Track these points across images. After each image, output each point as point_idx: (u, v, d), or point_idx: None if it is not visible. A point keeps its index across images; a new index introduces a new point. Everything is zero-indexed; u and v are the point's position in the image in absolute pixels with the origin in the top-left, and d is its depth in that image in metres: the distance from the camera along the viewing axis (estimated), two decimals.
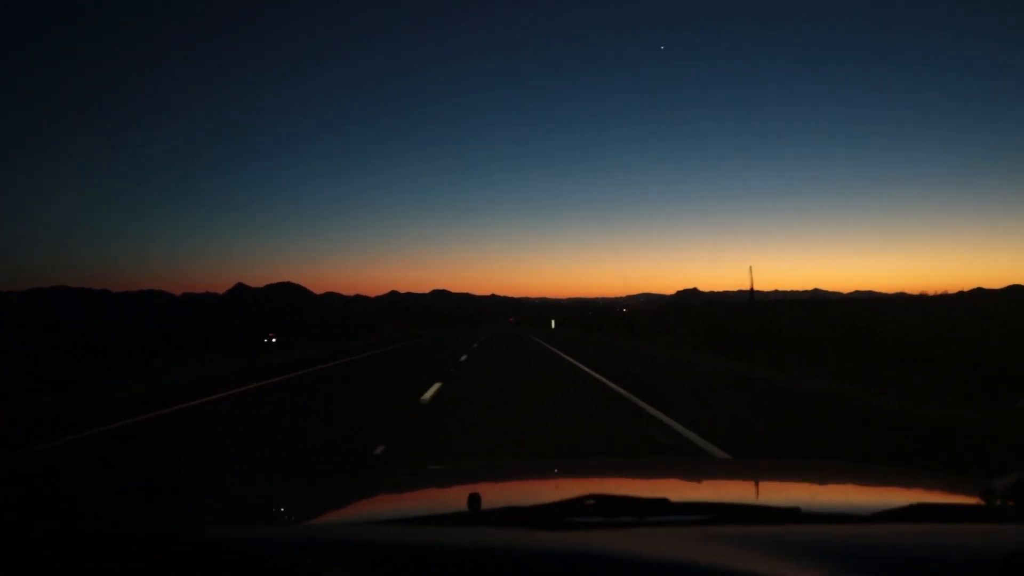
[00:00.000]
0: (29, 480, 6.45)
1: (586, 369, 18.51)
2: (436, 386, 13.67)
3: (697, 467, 3.24)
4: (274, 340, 35.63)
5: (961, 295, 33.69)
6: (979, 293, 39.85)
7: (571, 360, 22.35)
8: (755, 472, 2.47)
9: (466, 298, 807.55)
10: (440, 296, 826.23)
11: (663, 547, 1.02)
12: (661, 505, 1.41)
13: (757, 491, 2.05)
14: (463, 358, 23.87)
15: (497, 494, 1.85)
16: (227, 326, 41.94)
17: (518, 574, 0.86)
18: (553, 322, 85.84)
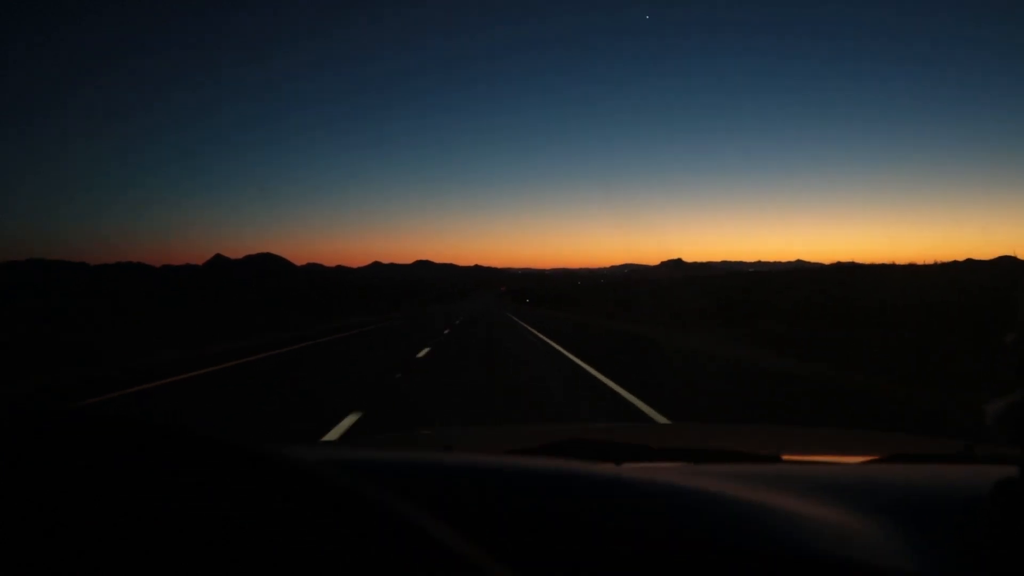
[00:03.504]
0: None
1: None
2: None
3: (676, 429, 3.24)
4: None
5: (955, 264, 32.43)
6: (970, 264, 38.83)
7: None
8: (737, 430, 2.52)
9: (450, 268, 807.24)
10: (424, 266, 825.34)
11: (642, 474, 1.02)
12: (640, 450, 1.37)
13: (737, 443, 2.00)
14: None
15: (473, 446, 1.82)
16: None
17: (510, 485, 0.89)
18: None
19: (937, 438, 2.02)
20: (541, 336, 20.85)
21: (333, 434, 6.39)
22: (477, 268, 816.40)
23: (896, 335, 12.45)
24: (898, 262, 35.74)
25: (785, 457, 1.38)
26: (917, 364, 10.61)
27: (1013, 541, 0.82)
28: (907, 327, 13.47)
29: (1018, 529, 0.83)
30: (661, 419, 7.19)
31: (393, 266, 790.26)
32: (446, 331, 24.35)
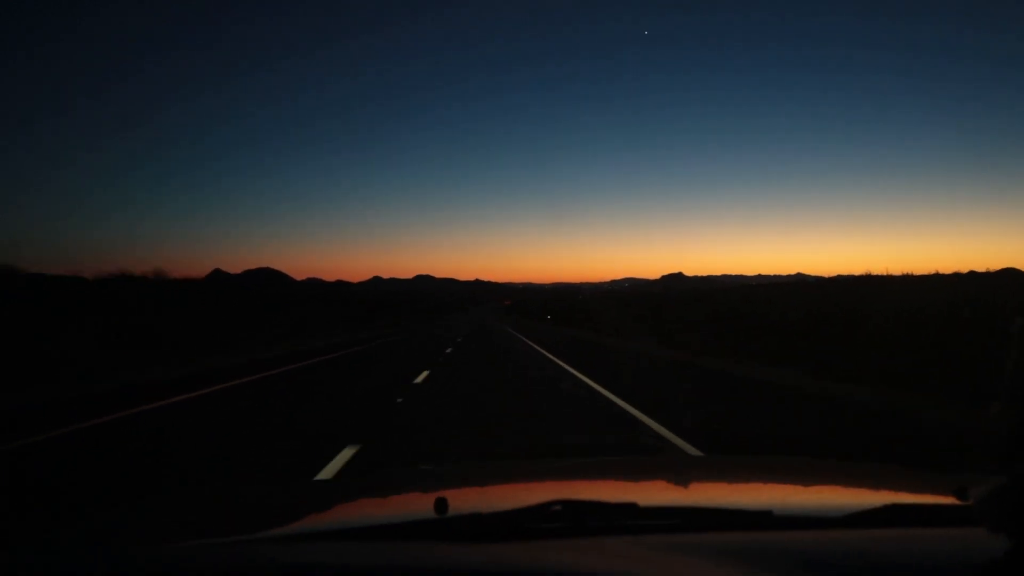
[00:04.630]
0: None
1: None
2: None
3: (668, 467, 3.03)
4: None
5: (957, 276, 31.71)
6: (973, 276, 38.08)
7: None
8: (727, 471, 2.39)
9: (450, 283, 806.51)
10: (424, 281, 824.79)
11: (629, 560, 1.00)
12: (629, 510, 1.37)
13: (729, 492, 1.96)
14: None
15: (465, 500, 1.77)
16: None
17: None
18: None
19: (935, 474, 1.99)
20: None
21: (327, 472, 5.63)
22: (477, 282, 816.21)
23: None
24: (898, 274, 34.74)
25: (776, 511, 1.35)
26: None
27: None
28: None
29: None
30: None
31: (394, 280, 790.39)
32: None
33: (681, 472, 2.48)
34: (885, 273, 35.53)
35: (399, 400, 10.86)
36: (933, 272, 35.24)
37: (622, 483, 2.21)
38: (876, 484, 1.95)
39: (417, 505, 1.72)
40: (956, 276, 36.46)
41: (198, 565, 0.93)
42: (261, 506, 1.79)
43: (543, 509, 1.30)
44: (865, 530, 1.25)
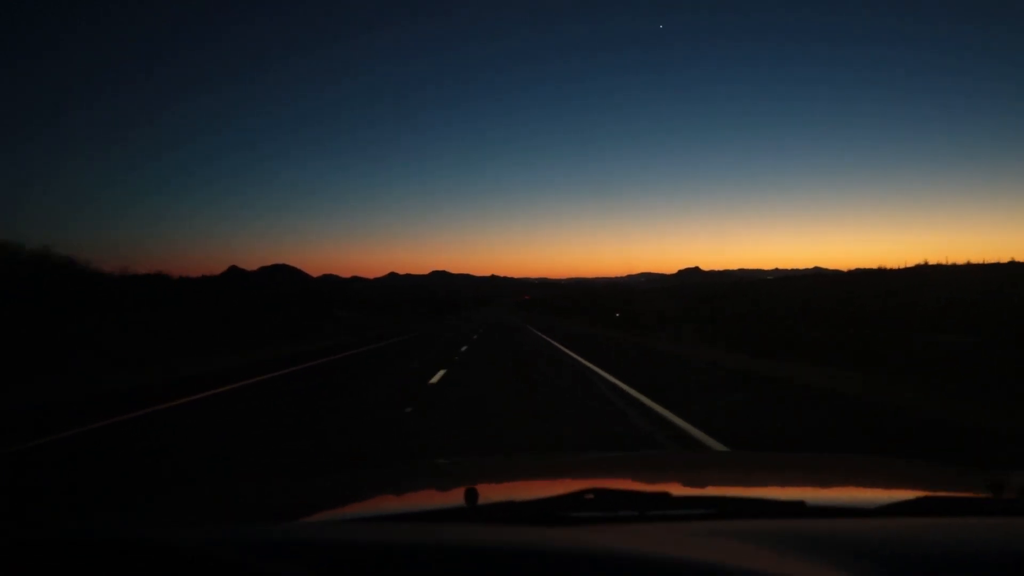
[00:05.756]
0: None
1: None
2: None
3: (699, 461, 3.04)
4: None
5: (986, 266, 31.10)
6: (987, 266, 37.46)
7: None
8: (758, 465, 2.34)
9: (466, 278, 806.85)
10: (440, 277, 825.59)
11: (665, 544, 1.00)
12: (662, 499, 1.36)
13: (759, 484, 1.94)
14: None
15: (495, 489, 1.76)
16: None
17: (514, 573, 0.87)
18: None
19: (965, 467, 1.95)
20: None
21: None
22: (493, 278, 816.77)
23: None
24: (962, 263, 33.83)
25: (809, 502, 1.32)
26: None
27: None
28: None
29: None
30: None
31: (409, 276, 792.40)
32: None
33: (709, 466, 2.43)
34: (946, 262, 34.83)
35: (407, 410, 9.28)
36: (1008, 261, 34.21)
37: (650, 475, 2.18)
38: (908, 477, 1.94)
39: (445, 495, 1.73)
40: (986, 266, 35.61)
41: (232, 545, 0.93)
42: (263, 504, 1.74)
43: (576, 497, 1.28)
44: (900, 518, 1.23)
